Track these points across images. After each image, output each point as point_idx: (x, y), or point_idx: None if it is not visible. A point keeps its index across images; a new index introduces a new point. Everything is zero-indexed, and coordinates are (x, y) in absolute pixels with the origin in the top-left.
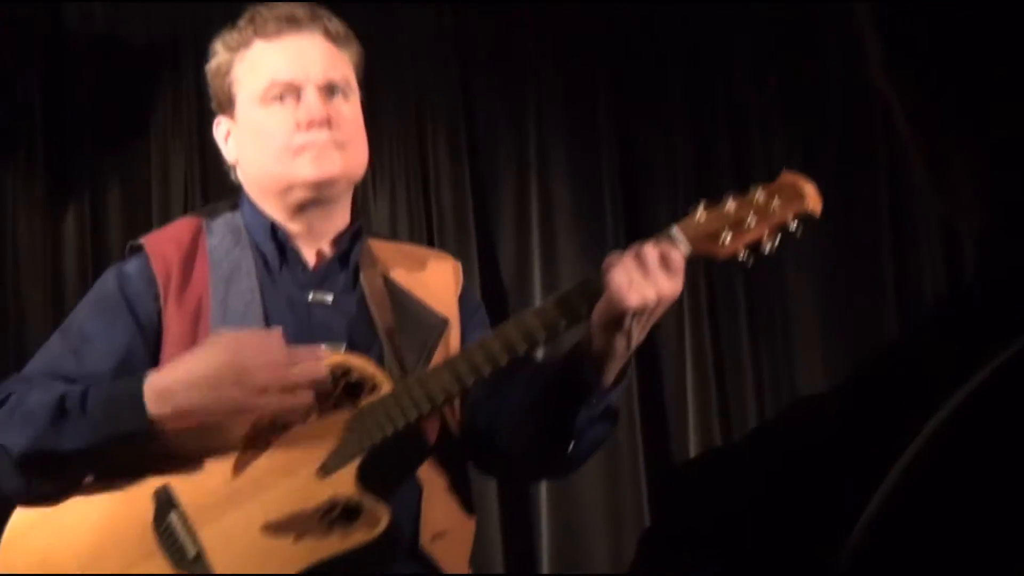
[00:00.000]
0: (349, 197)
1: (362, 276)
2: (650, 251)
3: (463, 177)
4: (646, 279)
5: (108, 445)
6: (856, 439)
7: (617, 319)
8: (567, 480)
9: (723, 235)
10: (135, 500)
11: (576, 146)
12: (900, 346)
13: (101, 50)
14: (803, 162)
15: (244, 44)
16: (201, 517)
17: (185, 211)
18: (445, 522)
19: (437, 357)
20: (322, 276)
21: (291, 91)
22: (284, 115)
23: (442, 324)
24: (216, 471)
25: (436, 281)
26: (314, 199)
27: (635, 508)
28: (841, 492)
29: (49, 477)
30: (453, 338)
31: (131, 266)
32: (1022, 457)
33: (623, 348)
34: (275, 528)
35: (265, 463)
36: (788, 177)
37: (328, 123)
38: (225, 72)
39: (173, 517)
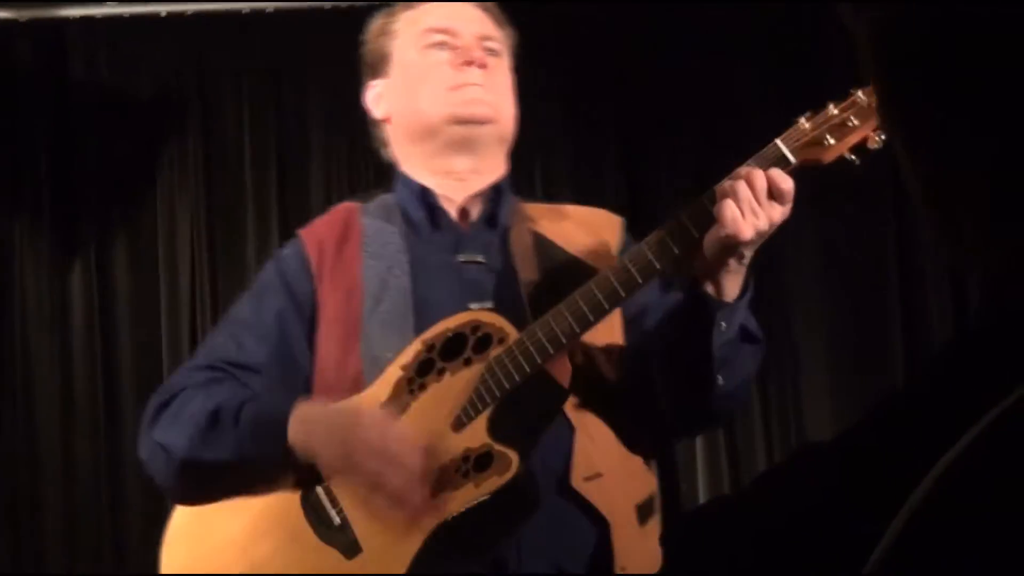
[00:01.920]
0: (498, 157)
1: (511, 233)
2: (759, 180)
3: None
4: (759, 210)
5: (249, 462)
6: (864, 484)
7: (730, 247)
8: None
9: (826, 139)
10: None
11: (579, 139)
12: (906, 392)
13: (108, 105)
14: (810, 205)
15: (407, 7)
16: (343, 484)
17: (192, 266)
18: (599, 464)
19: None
20: (471, 236)
21: (450, 37)
22: (441, 57)
23: (589, 274)
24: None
25: (592, 234)
26: (463, 139)
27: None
28: (849, 538)
29: (198, 485)
30: None
31: (287, 250)
32: (1015, 513)
33: (736, 267)
34: (414, 482)
35: (404, 424)
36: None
37: (485, 66)
38: (383, 31)
39: (319, 490)
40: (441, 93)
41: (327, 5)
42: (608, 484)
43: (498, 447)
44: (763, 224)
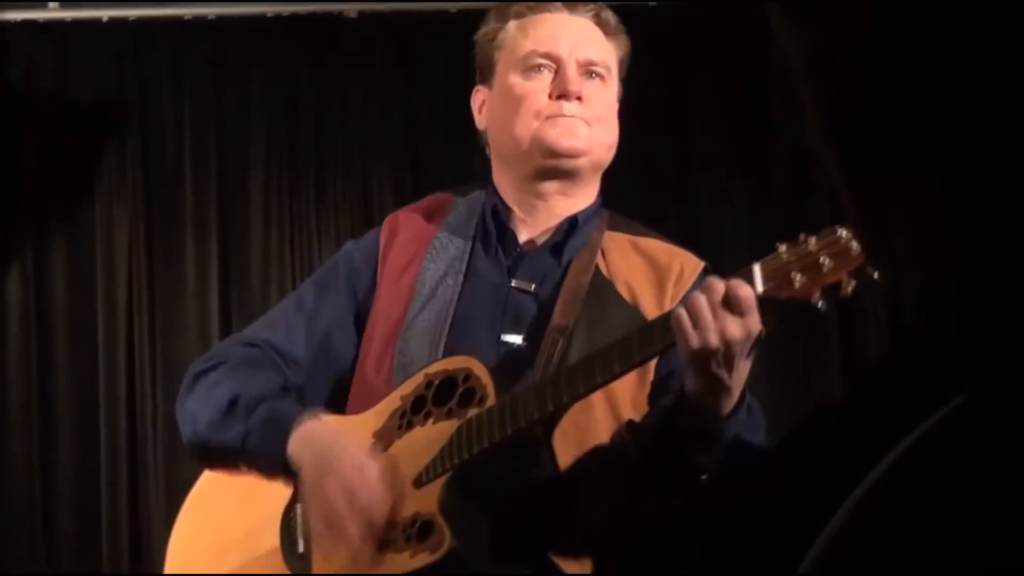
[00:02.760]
0: (589, 184)
1: (572, 266)
2: (717, 289)
3: None
4: (712, 319)
5: (251, 456)
6: (795, 495)
7: (693, 358)
8: None
9: (796, 276)
10: (283, 484)
11: None
12: (841, 403)
13: (46, 111)
14: (749, 226)
15: (517, 15)
16: (310, 512)
17: (129, 273)
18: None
19: None
20: (530, 262)
21: (550, 62)
22: (540, 83)
23: (638, 324)
24: None
25: (659, 279)
26: (552, 169)
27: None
28: (779, 548)
29: (211, 459)
30: None
31: (366, 239)
32: (949, 522)
33: (710, 387)
34: (368, 534)
35: (383, 466)
36: None
37: (581, 98)
38: (491, 38)
39: (298, 508)
40: (534, 122)
41: (269, 12)
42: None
43: (440, 520)
44: (713, 337)
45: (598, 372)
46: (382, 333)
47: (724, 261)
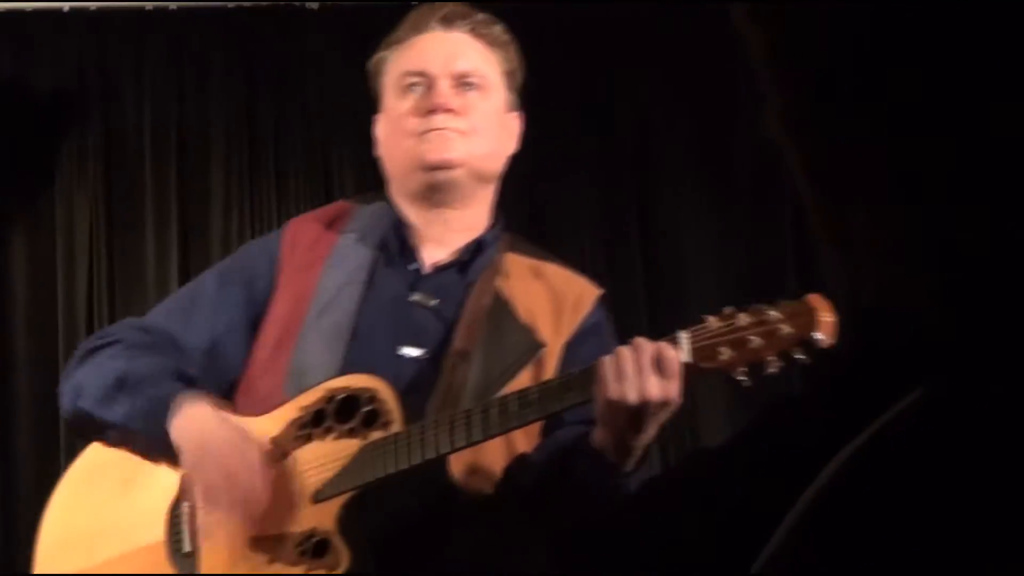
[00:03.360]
0: (481, 198)
1: (475, 287)
2: (645, 348)
3: None
4: (636, 376)
5: (134, 434)
6: (751, 489)
7: (608, 409)
8: None
9: (723, 350)
10: (172, 477)
11: None
12: (794, 403)
13: (7, 99)
14: (712, 224)
15: (398, 41)
16: (206, 515)
17: (90, 262)
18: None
19: (524, 379)
20: (433, 279)
21: (425, 80)
22: (415, 101)
23: (534, 348)
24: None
25: (556, 307)
26: (434, 185)
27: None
28: (736, 541)
29: (91, 432)
30: (550, 365)
31: (267, 240)
32: (903, 517)
33: (618, 442)
34: (257, 544)
35: (278, 473)
36: (807, 300)
37: (453, 111)
38: (377, 69)
39: (184, 507)
40: (409, 140)
41: (230, 4)
42: None
43: (337, 540)
44: (632, 393)
45: (514, 417)
46: (277, 337)
47: (686, 267)
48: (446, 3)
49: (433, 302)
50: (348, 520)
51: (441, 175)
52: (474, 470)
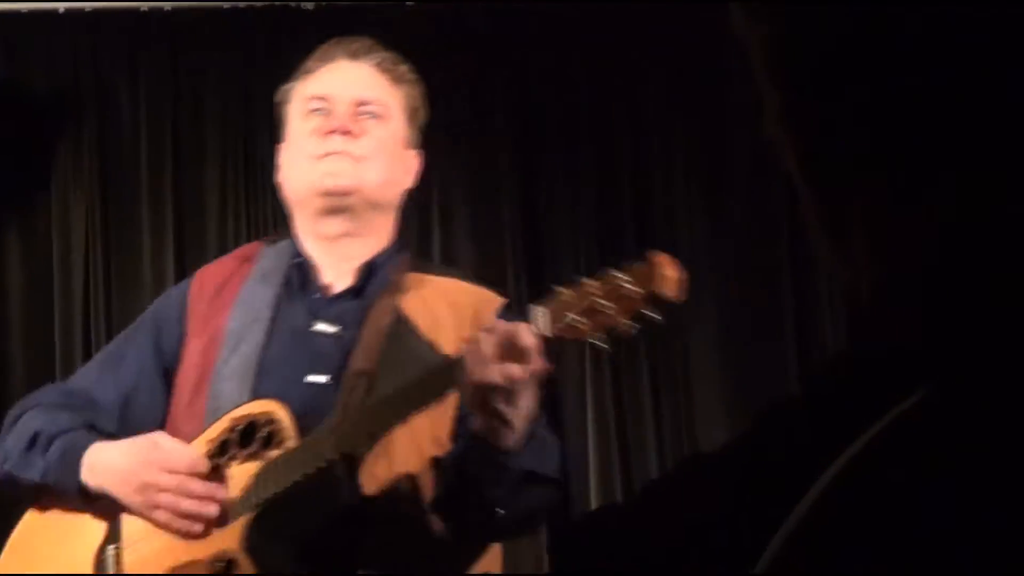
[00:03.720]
0: (378, 226)
1: (374, 308)
2: (500, 330)
3: None
4: (495, 357)
5: (53, 488)
6: (749, 492)
7: (476, 393)
8: None
9: (577, 317)
10: (97, 522)
11: (479, 202)
12: (792, 406)
13: (3, 99)
14: (706, 218)
15: (306, 71)
16: (130, 553)
17: (86, 262)
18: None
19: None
20: (333, 307)
21: (327, 104)
22: (314, 125)
23: (437, 362)
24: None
25: (458, 319)
26: (328, 208)
27: (535, 562)
28: (738, 544)
29: (20, 493)
30: None
31: (177, 289)
32: (903, 521)
33: (494, 422)
34: (176, 571)
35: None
36: (651, 259)
37: (349, 134)
38: (283, 98)
39: (110, 550)
40: (307, 162)
41: (226, 5)
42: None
43: (243, 558)
44: (495, 375)
45: (390, 415)
46: (193, 381)
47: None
48: (356, 38)
49: (333, 329)
50: (251, 538)
51: (334, 200)
52: (385, 480)
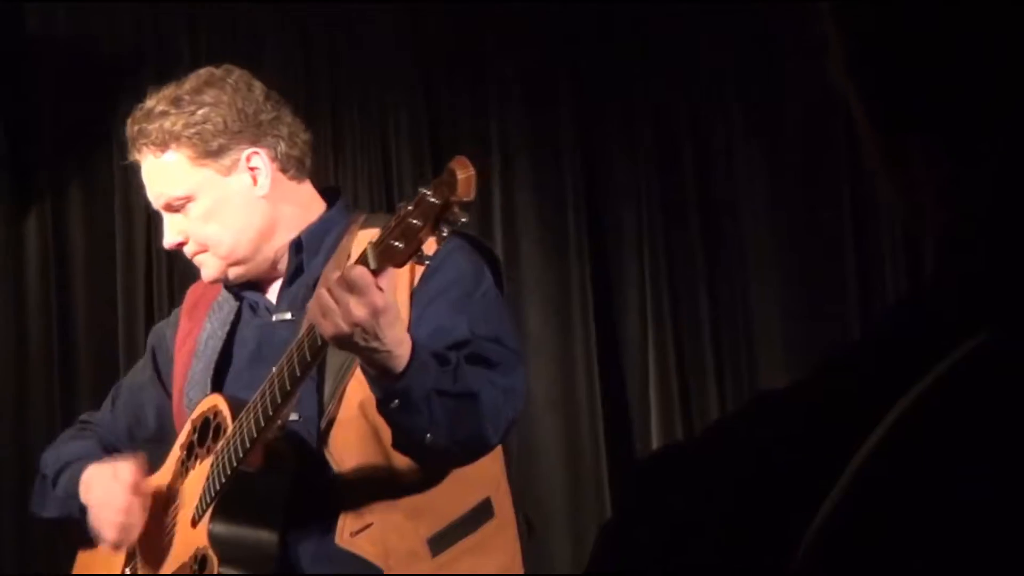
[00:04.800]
0: (256, 248)
1: (321, 280)
2: (332, 278)
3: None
4: (335, 306)
5: (75, 519)
6: (814, 434)
7: (336, 342)
8: (528, 476)
9: (398, 244)
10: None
11: (539, 153)
12: (859, 344)
13: (64, 54)
14: (764, 160)
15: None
16: (145, 570)
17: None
18: (368, 516)
19: None
20: (284, 297)
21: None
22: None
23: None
24: (159, 523)
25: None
26: (235, 280)
27: (597, 502)
28: (799, 487)
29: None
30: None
31: (172, 315)
32: (973, 455)
33: (369, 358)
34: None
35: (175, 515)
36: (451, 165)
37: (180, 244)
38: None
39: (127, 571)
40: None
41: None
42: (380, 532)
43: (211, 553)
44: (341, 322)
45: (277, 392)
46: (177, 393)
47: (743, 224)
48: (135, 113)
49: (287, 315)
50: (218, 530)
51: (229, 281)
52: (349, 446)
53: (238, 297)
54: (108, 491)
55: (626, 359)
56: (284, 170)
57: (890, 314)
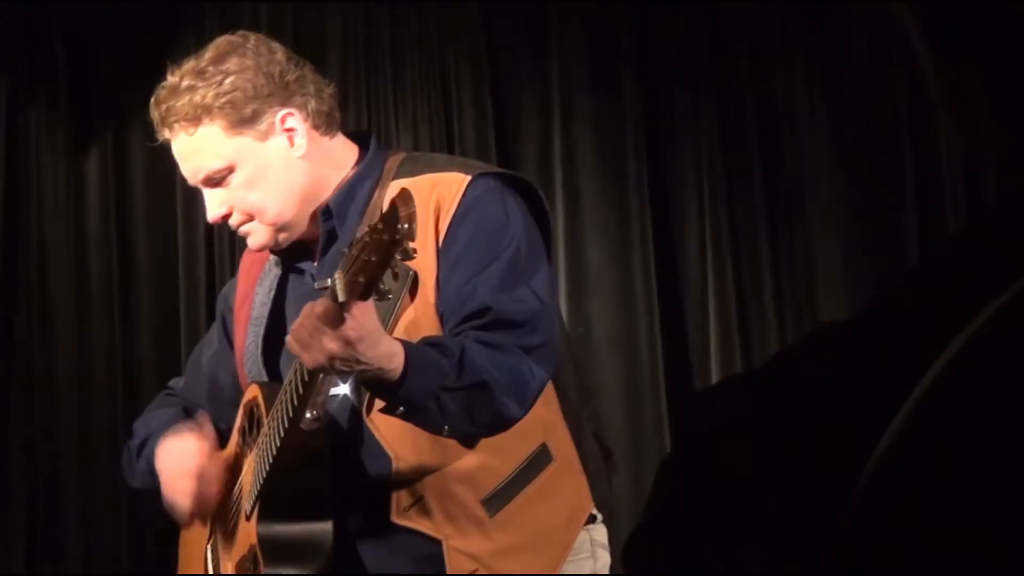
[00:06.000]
0: (313, 205)
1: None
2: (306, 313)
3: (486, 122)
4: (311, 339)
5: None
6: (873, 366)
7: (322, 370)
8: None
9: (359, 279)
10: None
11: (599, 89)
12: (918, 276)
13: (124, 3)
14: (824, 97)
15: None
16: (221, 550)
17: None
18: (420, 489)
19: (407, 306)
20: (324, 264)
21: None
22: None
23: (405, 278)
24: (226, 505)
25: (423, 214)
26: (277, 248)
27: (656, 434)
28: (859, 421)
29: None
30: (428, 282)
31: (228, 286)
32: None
33: (362, 378)
34: (237, 568)
35: (238, 503)
36: (394, 199)
37: (225, 216)
38: None
39: (208, 547)
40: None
41: None
42: (433, 502)
43: (259, 550)
44: (319, 355)
45: (288, 405)
46: (239, 363)
47: (805, 164)
48: (158, 91)
49: (329, 280)
50: (262, 531)
51: (276, 248)
52: (392, 419)
53: (286, 266)
54: (181, 459)
55: (686, 295)
56: (316, 127)
57: (947, 249)
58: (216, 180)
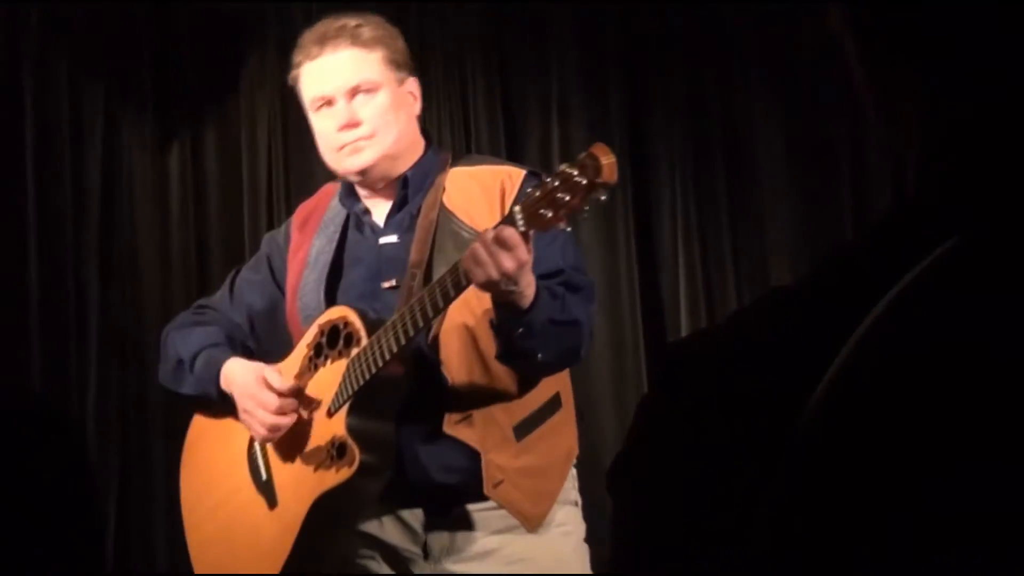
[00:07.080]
0: (404, 153)
1: (421, 211)
2: (488, 234)
3: (497, 126)
4: (489, 259)
5: (204, 396)
6: (814, 320)
7: (483, 287)
8: (580, 366)
9: (545, 211)
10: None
11: (591, 102)
12: (851, 247)
13: (201, 13)
14: (777, 103)
15: (297, 65)
16: (274, 444)
17: (269, 152)
18: (469, 408)
19: None
20: (390, 224)
21: (327, 101)
22: (326, 120)
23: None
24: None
25: (489, 198)
26: (362, 181)
27: (637, 388)
28: (805, 362)
29: (175, 397)
30: None
31: (281, 229)
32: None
33: (506, 298)
34: (305, 458)
35: (305, 402)
36: (593, 151)
37: (356, 124)
38: (294, 86)
39: (257, 445)
40: (331, 153)
41: None
42: (478, 421)
43: (350, 441)
44: (492, 271)
45: (429, 309)
46: (291, 297)
47: (758, 150)
48: (324, 22)
49: (393, 238)
50: (354, 422)
51: (366, 175)
52: (451, 353)
53: (349, 223)
54: (260, 395)
55: (661, 263)
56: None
57: (879, 222)
58: (364, 89)
